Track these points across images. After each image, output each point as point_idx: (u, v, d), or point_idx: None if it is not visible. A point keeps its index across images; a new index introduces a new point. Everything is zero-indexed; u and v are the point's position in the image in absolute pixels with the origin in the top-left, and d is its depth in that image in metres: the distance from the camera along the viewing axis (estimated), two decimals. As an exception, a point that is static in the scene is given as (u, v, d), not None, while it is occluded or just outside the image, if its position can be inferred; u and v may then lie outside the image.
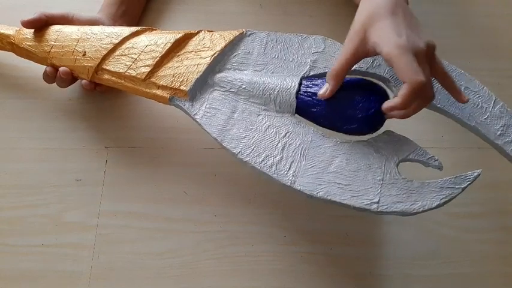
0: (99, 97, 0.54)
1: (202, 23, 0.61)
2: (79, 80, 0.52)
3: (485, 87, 0.43)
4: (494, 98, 0.42)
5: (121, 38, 0.48)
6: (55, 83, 0.51)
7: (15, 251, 0.47)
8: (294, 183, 0.39)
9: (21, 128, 0.53)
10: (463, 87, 0.43)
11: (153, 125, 0.53)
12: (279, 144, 0.41)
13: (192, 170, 0.51)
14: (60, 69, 0.49)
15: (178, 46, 0.47)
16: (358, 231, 0.48)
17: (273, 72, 0.45)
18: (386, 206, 0.37)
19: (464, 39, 0.60)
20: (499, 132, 0.41)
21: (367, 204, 0.37)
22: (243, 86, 0.44)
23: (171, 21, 0.61)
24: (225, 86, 0.44)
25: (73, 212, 0.49)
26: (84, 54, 0.48)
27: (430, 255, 0.47)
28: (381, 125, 0.41)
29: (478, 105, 0.42)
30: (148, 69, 0.46)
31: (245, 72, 0.45)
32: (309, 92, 0.42)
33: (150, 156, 0.52)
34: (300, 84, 0.43)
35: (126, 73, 0.46)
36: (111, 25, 0.53)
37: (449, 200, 0.37)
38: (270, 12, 0.62)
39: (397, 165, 0.39)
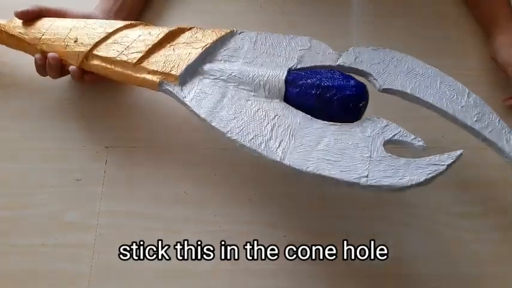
0: (99, 97, 0.54)
1: (201, 23, 0.61)
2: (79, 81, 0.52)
3: (458, 82, 0.45)
4: (467, 91, 0.45)
5: (115, 28, 0.49)
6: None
7: (15, 251, 0.47)
8: (284, 159, 0.40)
9: (21, 128, 0.53)
10: (438, 81, 0.45)
11: (153, 125, 0.54)
12: (268, 126, 0.42)
13: (192, 170, 0.51)
14: (49, 55, 0.49)
15: (171, 37, 0.48)
16: (358, 231, 0.48)
17: (261, 65, 0.46)
18: (375, 180, 0.38)
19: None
20: (475, 119, 0.43)
21: (357, 178, 0.38)
22: (233, 74, 0.45)
23: (169, 21, 0.61)
24: (215, 74, 0.46)
25: (73, 212, 0.49)
26: (75, 41, 0.48)
27: (430, 255, 0.47)
28: (363, 106, 0.43)
29: (453, 97, 0.44)
30: (140, 54, 0.47)
31: (235, 63, 0.46)
32: (296, 83, 0.44)
33: (150, 156, 0.52)
34: (288, 74, 0.44)
35: (118, 58, 0.47)
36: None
37: (435, 177, 0.38)
38: (270, 12, 0.62)
39: (383, 145, 0.40)
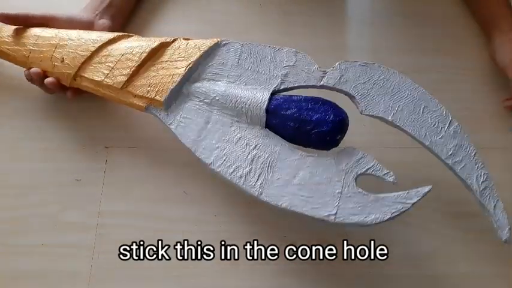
0: (99, 97, 0.54)
1: (201, 23, 0.61)
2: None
3: (443, 107, 0.45)
4: (450, 118, 0.44)
5: (97, 45, 0.49)
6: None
7: (15, 251, 0.47)
8: (261, 194, 0.41)
9: (21, 128, 0.54)
10: (422, 106, 0.45)
11: (153, 125, 0.53)
12: (249, 156, 0.43)
13: (192, 170, 0.51)
14: (31, 70, 0.50)
15: (154, 55, 0.48)
16: (358, 231, 0.48)
17: (245, 84, 0.46)
18: (342, 218, 0.40)
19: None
20: (450, 152, 0.43)
21: (326, 216, 0.40)
22: (217, 98, 0.45)
23: (169, 21, 0.61)
24: (199, 96, 0.46)
25: (73, 212, 0.49)
26: (62, 61, 0.49)
27: (430, 255, 0.47)
28: (340, 136, 0.44)
29: (434, 125, 0.44)
30: (124, 78, 0.47)
31: (219, 83, 0.46)
32: (277, 113, 0.44)
33: (150, 156, 0.52)
34: (271, 98, 0.45)
35: (104, 82, 0.47)
36: (93, 21, 0.54)
37: (400, 214, 0.40)
38: (270, 12, 0.62)
39: (356, 179, 0.42)
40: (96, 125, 0.54)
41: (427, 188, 0.40)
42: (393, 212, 0.40)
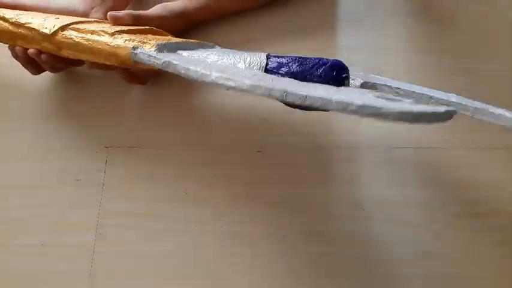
0: (99, 97, 0.55)
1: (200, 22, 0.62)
2: (79, 81, 0.52)
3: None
4: (445, 92, 0.44)
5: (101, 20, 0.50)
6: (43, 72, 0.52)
7: (15, 251, 0.47)
8: (273, 86, 0.34)
9: (21, 128, 0.54)
10: (415, 85, 0.45)
11: (153, 125, 0.54)
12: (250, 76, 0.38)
13: (192, 170, 0.51)
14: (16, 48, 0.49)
15: (156, 33, 0.50)
16: (358, 231, 0.48)
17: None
18: (368, 102, 0.31)
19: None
20: (459, 99, 0.42)
21: (348, 100, 0.32)
22: (213, 52, 0.45)
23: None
24: (193, 54, 0.45)
25: (73, 212, 0.49)
26: (57, 18, 0.48)
27: (430, 255, 0.48)
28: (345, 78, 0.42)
29: (433, 90, 0.44)
30: (119, 29, 0.46)
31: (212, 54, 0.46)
32: (278, 57, 0.43)
33: (150, 156, 0.52)
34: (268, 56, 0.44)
35: (96, 29, 0.46)
36: (88, 15, 0.53)
37: (430, 117, 0.31)
38: (270, 12, 0.62)
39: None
40: (96, 125, 0.54)
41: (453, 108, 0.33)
42: (422, 110, 0.31)
